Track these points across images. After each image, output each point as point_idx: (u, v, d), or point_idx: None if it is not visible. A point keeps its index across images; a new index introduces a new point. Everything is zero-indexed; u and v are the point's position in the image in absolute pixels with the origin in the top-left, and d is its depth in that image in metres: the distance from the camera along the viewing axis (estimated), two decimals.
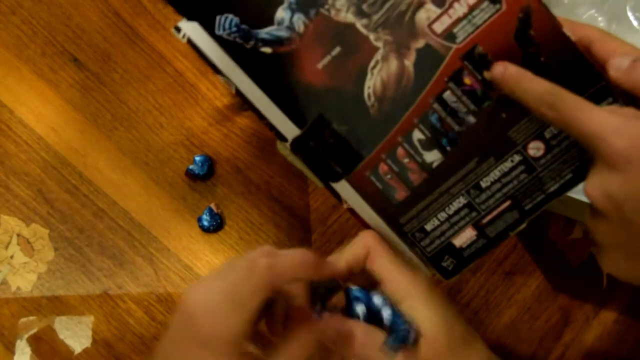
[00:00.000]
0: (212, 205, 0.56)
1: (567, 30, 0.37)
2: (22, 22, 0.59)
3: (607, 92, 0.37)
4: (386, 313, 0.39)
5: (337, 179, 0.41)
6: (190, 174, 0.57)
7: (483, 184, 0.41)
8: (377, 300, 0.39)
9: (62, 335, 0.53)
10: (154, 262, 0.55)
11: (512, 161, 0.40)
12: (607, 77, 0.37)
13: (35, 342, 0.53)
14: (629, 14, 0.57)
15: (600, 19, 0.58)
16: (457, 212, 0.41)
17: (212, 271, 0.38)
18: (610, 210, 0.34)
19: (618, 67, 0.35)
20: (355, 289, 0.40)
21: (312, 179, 0.41)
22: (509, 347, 0.58)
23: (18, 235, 0.55)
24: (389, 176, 0.41)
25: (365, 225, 0.43)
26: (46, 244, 0.55)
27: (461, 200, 0.41)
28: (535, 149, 0.39)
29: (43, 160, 0.56)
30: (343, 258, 0.40)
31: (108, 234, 0.55)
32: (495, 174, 0.40)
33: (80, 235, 0.55)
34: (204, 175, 0.57)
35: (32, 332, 0.53)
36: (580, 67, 0.37)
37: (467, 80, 0.38)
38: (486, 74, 0.37)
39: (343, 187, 0.41)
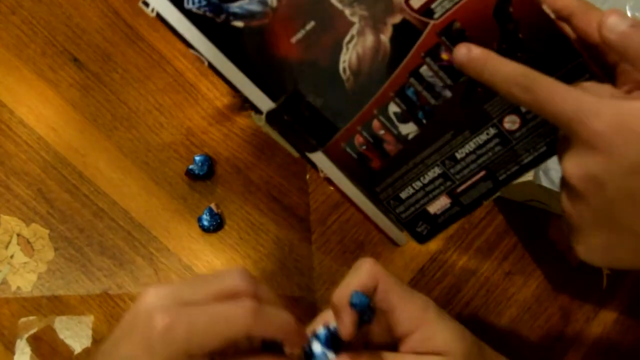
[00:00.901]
0: (212, 205, 0.56)
1: (546, 7, 0.36)
2: (22, 22, 0.59)
3: (584, 69, 0.37)
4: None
5: (312, 150, 0.41)
6: (190, 174, 0.57)
7: (458, 155, 0.41)
8: (321, 331, 0.40)
9: (62, 335, 0.53)
10: (154, 262, 0.55)
11: (487, 134, 0.40)
12: (585, 55, 0.37)
13: (35, 342, 0.53)
14: (629, 13, 0.57)
15: None
16: (431, 181, 0.42)
17: (188, 283, 0.37)
18: (592, 191, 0.33)
19: (613, 28, 0.34)
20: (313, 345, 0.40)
21: (288, 149, 0.41)
22: (509, 347, 0.57)
23: (18, 235, 0.55)
24: (364, 147, 0.41)
25: (342, 194, 0.43)
26: (46, 244, 0.55)
27: (436, 171, 0.42)
28: (511, 122, 0.40)
29: (43, 160, 0.56)
30: (350, 289, 0.39)
31: (108, 233, 0.55)
32: (471, 146, 0.41)
33: (80, 235, 0.55)
34: (204, 175, 0.57)
35: (32, 331, 0.53)
36: (558, 44, 0.37)
37: (444, 55, 0.38)
38: (448, 56, 0.37)
39: (319, 158, 0.41)
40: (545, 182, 0.57)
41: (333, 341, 0.39)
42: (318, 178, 0.59)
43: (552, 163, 0.57)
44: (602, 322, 0.58)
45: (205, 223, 0.56)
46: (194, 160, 0.57)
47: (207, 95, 0.59)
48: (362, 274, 0.39)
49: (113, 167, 0.57)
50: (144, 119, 0.58)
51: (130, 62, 0.59)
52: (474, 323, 0.57)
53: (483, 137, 0.40)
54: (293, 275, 0.57)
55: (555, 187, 0.57)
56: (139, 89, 0.59)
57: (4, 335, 0.53)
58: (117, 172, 0.57)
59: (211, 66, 0.38)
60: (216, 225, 0.56)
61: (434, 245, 0.58)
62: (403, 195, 0.43)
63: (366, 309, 0.38)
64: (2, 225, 0.55)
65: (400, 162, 0.42)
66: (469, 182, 0.42)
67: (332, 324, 0.40)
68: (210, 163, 0.57)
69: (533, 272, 0.59)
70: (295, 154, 0.42)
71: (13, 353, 0.52)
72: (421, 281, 0.57)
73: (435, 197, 0.43)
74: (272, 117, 0.40)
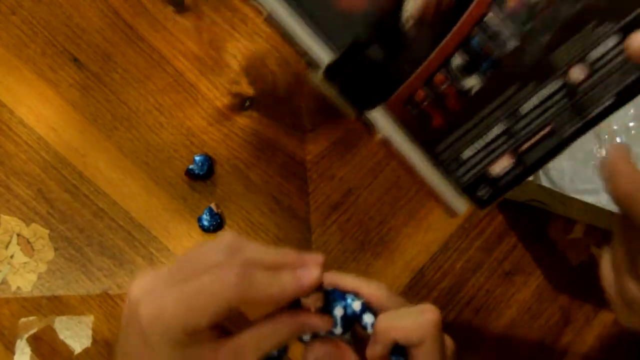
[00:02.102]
0: (212, 205, 0.56)
1: None
2: (22, 22, 0.59)
3: None
4: (369, 319, 0.38)
5: (372, 107, 0.39)
6: (190, 174, 0.57)
7: (522, 110, 0.39)
8: (356, 305, 0.38)
9: (62, 335, 0.53)
10: (154, 262, 0.55)
11: (553, 86, 0.39)
12: None
13: (35, 342, 0.53)
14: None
15: None
16: (494, 139, 0.40)
17: (174, 264, 0.36)
18: None
19: None
20: (335, 291, 0.39)
21: (344, 110, 0.40)
22: (509, 347, 0.58)
23: (18, 235, 0.55)
24: (425, 103, 0.39)
25: (399, 158, 0.41)
26: (46, 244, 0.55)
27: (499, 127, 0.40)
28: (578, 73, 0.38)
29: (43, 160, 0.56)
30: (403, 334, 0.37)
31: (108, 233, 0.55)
32: (535, 99, 0.39)
33: (81, 235, 0.55)
34: (204, 175, 0.57)
35: (32, 332, 0.53)
36: None
37: (511, 1, 0.36)
38: (514, 2, 0.36)
39: (379, 116, 0.39)
40: (545, 182, 0.57)
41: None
42: (318, 178, 0.59)
43: (552, 163, 0.57)
44: (602, 322, 0.58)
45: (205, 223, 0.56)
46: (194, 160, 0.57)
47: (207, 95, 0.59)
48: (423, 335, 0.36)
49: (113, 167, 0.57)
50: (144, 119, 0.58)
51: (130, 62, 0.59)
52: (474, 323, 0.57)
53: (548, 89, 0.39)
54: None
55: (556, 187, 0.57)
56: (139, 89, 0.59)
57: (4, 335, 0.53)
58: (117, 172, 0.57)
59: (270, 18, 0.37)
60: (216, 225, 0.56)
61: (434, 245, 0.58)
62: (464, 155, 0.40)
63: None
64: (2, 225, 0.55)
65: (462, 119, 0.40)
66: (533, 140, 0.40)
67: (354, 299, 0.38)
68: (210, 163, 0.57)
69: (533, 272, 0.59)
70: (352, 115, 0.39)
71: (13, 353, 0.52)
72: (421, 281, 0.57)
73: (497, 157, 0.40)
74: (332, 71, 0.38)
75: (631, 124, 0.60)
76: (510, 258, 0.59)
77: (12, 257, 0.55)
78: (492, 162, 0.41)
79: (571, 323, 0.59)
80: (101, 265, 0.55)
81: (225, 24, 0.60)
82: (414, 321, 0.37)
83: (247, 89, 0.59)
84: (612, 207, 0.57)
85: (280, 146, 0.59)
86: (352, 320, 0.38)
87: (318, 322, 0.37)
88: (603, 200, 0.57)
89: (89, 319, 0.54)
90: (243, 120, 0.59)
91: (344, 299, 0.38)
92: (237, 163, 0.58)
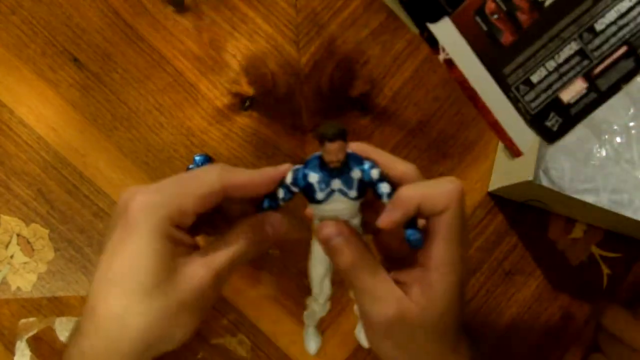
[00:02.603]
0: None
1: None
2: (22, 22, 0.59)
3: None
4: (385, 189, 0.37)
5: (438, 18, 0.37)
6: None
7: (598, 27, 0.37)
8: (374, 173, 0.37)
9: (61, 336, 0.53)
10: None
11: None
12: None
13: (36, 343, 0.53)
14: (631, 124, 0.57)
15: None
16: (567, 60, 0.38)
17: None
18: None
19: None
20: (355, 155, 0.38)
21: (407, 23, 0.37)
22: (509, 347, 0.58)
23: (18, 235, 0.55)
24: (495, 16, 0.37)
25: (463, 83, 0.38)
26: (46, 244, 0.55)
27: (572, 47, 0.38)
28: None
29: (43, 160, 0.56)
30: (423, 201, 0.36)
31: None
32: (612, 14, 0.37)
33: (81, 235, 0.55)
34: None
35: (32, 333, 0.53)
36: None
37: None
38: None
39: (444, 29, 0.37)
40: (545, 182, 0.57)
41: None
42: None
43: (552, 163, 0.57)
44: None
45: None
46: (194, 160, 0.57)
47: (207, 95, 0.59)
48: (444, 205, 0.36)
49: (113, 167, 0.57)
50: (144, 119, 0.58)
51: (130, 62, 0.59)
52: (474, 323, 0.57)
53: (626, 3, 0.36)
54: (293, 276, 0.57)
55: (556, 187, 0.57)
56: (139, 89, 0.58)
57: (4, 335, 0.53)
58: (117, 172, 0.57)
59: None
60: None
61: None
62: (534, 78, 0.38)
63: (417, 243, 0.37)
64: (2, 225, 0.55)
65: (534, 36, 0.37)
66: (608, 61, 0.38)
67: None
68: (210, 163, 0.57)
69: (533, 272, 0.59)
70: (415, 30, 0.37)
71: (13, 353, 0.52)
72: None
73: (569, 81, 0.38)
74: None
75: (631, 124, 0.60)
76: (510, 258, 0.59)
77: (12, 257, 0.55)
78: (564, 86, 0.38)
79: (571, 323, 0.59)
80: None
81: (225, 24, 0.60)
82: (441, 188, 0.37)
83: (247, 89, 0.59)
84: (612, 207, 0.58)
85: (280, 146, 0.59)
86: (366, 186, 0.38)
87: (281, 222, 0.39)
88: (603, 200, 0.57)
89: None
90: (243, 120, 0.59)
91: (362, 163, 0.37)
92: (237, 163, 0.58)
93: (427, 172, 0.59)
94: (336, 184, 0.37)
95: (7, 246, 0.55)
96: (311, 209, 0.40)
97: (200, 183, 0.37)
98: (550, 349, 0.58)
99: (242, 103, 0.59)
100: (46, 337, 0.53)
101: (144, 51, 0.59)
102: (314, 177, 0.37)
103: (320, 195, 0.37)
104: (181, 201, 0.36)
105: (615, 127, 0.60)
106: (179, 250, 0.36)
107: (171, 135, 0.58)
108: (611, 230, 0.59)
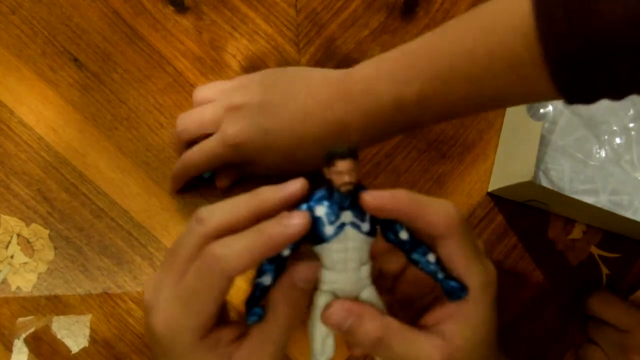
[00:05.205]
0: None
1: None
2: (22, 22, 0.59)
3: None
4: (404, 235, 0.35)
5: None
6: None
7: None
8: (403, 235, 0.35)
9: (59, 335, 0.53)
10: (154, 262, 0.55)
11: None
12: None
13: (34, 341, 0.53)
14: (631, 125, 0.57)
15: None
16: None
17: (164, 262, 0.37)
18: None
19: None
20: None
21: None
22: (509, 347, 0.57)
23: (18, 235, 0.55)
24: None
25: None
26: (46, 243, 0.55)
27: None
28: None
29: (43, 160, 0.56)
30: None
31: (108, 233, 0.55)
32: None
33: (80, 234, 0.55)
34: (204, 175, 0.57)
35: (29, 331, 0.53)
36: None
37: None
38: None
39: None
40: (545, 182, 0.57)
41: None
42: None
43: (552, 163, 0.57)
44: None
45: None
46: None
47: None
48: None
49: (113, 167, 0.57)
50: (144, 119, 0.58)
51: (130, 62, 0.59)
52: None
53: None
54: None
55: (555, 188, 0.57)
56: (139, 89, 0.59)
57: (3, 335, 0.53)
58: (117, 172, 0.57)
59: None
60: None
61: None
62: None
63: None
64: (2, 225, 0.55)
65: None
66: None
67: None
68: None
69: (533, 272, 0.59)
70: None
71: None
72: None
73: None
74: None
75: (631, 125, 0.60)
76: (510, 258, 0.59)
77: (12, 257, 0.55)
78: None
79: (571, 323, 0.59)
80: (101, 265, 0.55)
81: (226, 24, 0.60)
82: (441, 206, 0.35)
83: None
84: (612, 208, 0.58)
85: None
86: (377, 223, 0.35)
87: (310, 269, 0.35)
88: (602, 201, 0.57)
89: (86, 318, 0.54)
90: None
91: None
92: None
93: (427, 173, 0.59)
94: (347, 216, 0.33)
95: (7, 246, 0.55)
96: (311, 267, 0.35)
97: (206, 296, 0.34)
98: (550, 349, 0.58)
99: None
100: (45, 335, 0.53)
101: (144, 51, 0.59)
102: (320, 210, 0.33)
103: (329, 230, 0.33)
104: (195, 319, 0.34)
105: (615, 128, 0.60)
106: (219, 348, 0.35)
107: (171, 135, 0.58)
108: (610, 231, 0.59)
